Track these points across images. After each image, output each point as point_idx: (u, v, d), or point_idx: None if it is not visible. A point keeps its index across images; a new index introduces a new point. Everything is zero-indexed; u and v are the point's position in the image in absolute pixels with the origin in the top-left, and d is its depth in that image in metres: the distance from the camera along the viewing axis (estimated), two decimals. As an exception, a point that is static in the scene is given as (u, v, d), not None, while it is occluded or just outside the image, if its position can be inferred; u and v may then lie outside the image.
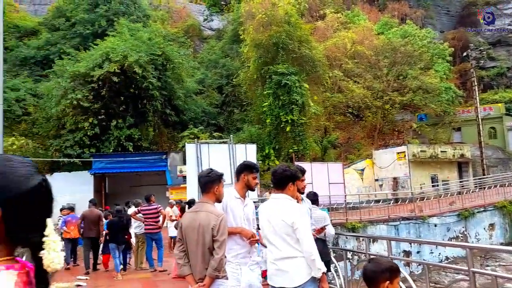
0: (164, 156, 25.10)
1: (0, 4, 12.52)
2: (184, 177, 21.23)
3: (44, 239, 1.15)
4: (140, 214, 10.62)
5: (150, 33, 28.78)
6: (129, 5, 34.41)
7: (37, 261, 1.14)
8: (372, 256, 5.96)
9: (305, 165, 19.88)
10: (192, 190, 17.86)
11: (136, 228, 11.00)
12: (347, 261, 7.43)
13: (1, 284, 1.03)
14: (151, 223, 10.46)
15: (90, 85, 24.60)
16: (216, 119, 32.08)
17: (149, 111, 26.47)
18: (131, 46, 25.58)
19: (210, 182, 3.95)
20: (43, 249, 1.15)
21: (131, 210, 11.33)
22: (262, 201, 16.87)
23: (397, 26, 42.37)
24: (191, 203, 9.10)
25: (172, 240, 13.03)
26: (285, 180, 3.96)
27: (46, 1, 43.45)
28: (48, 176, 1.18)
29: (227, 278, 3.82)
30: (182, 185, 21.24)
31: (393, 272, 2.49)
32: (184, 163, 21.86)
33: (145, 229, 10.58)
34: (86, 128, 24.53)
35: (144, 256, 10.96)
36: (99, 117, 24.99)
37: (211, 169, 4.13)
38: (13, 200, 1.10)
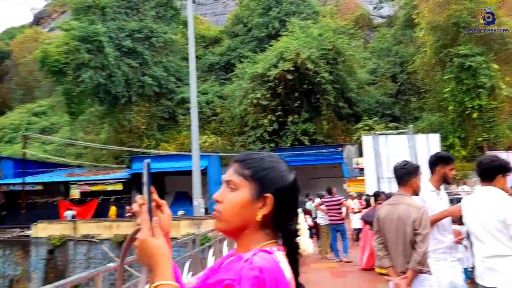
0: (340, 149, 25.33)
1: (190, 22, 14.30)
2: (361, 169, 21.04)
3: (298, 227, 1.30)
4: (323, 206, 10.96)
5: (320, 28, 29.16)
6: (299, 4, 35.48)
7: (290, 246, 1.27)
8: None
9: (499, 154, 17.73)
10: (370, 182, 17.61)
11: (319, 219, 11.38)
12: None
13: (282, 262, 1.19)
14: (334, 214, 10.68)
15: (267, 84, 26.30)
16: (391, 109, 30.82)
17: (322, 105, 26.96)
18: (303, 44, 26.41)
19: (406, 174, 3.87)
20: (298, 236, 1.29)
21: (316, 202, 11.78)
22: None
23: None
24: (376, 195, 9.03)
25: (356, 232, 13.08)
26: (493, 171, 3.64)
27: (226, 11, 47.75)
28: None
29: (431, 274, 3.69)
30: (359, 178, 21.09)
31: None
32: (360, 155, 21.65)
33: (328, 220, 10.86)
34: (265, 124, 26.39)
35: (328, 246, 11.27)
36: (277, 113, 26.54)
37: (406, 161, 4.06)
38: (280, 191, 1.25)
